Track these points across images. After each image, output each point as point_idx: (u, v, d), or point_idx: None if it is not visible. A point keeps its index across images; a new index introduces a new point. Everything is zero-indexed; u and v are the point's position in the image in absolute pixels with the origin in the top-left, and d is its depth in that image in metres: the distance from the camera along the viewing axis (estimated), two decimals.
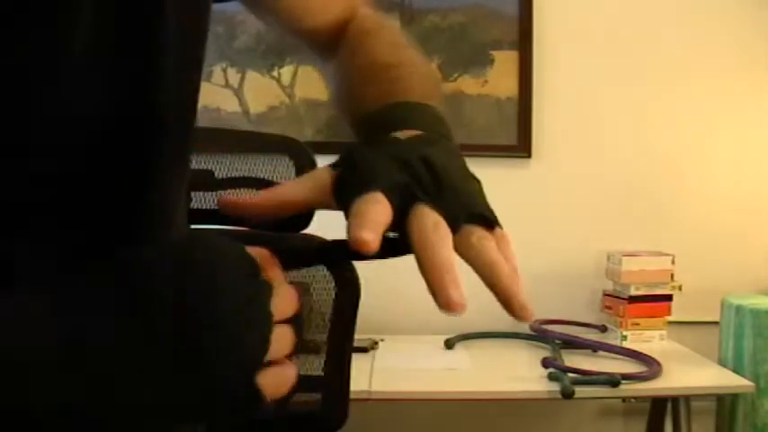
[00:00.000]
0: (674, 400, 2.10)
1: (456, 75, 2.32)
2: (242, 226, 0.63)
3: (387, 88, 0.61)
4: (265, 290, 0.44)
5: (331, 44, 0.72)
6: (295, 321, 0.46)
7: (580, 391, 1.72)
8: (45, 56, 0.44)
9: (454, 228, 0.47)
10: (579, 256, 2.35)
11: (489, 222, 0.49)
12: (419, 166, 0.49)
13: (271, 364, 0.44)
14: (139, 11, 0.49)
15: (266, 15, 0.75)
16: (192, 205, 1.15)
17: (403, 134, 0.54)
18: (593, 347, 2.07)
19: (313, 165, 1.24)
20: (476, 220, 0.48)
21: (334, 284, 1.17)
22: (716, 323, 2.14)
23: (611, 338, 2.19)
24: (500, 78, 2.33)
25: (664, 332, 2.19)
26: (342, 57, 0.70)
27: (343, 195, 0.49)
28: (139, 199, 0.52)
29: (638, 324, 2.17)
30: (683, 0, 2.38)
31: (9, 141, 0.44)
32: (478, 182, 0.54)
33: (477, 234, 0.47)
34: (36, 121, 0.45)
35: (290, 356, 0.46)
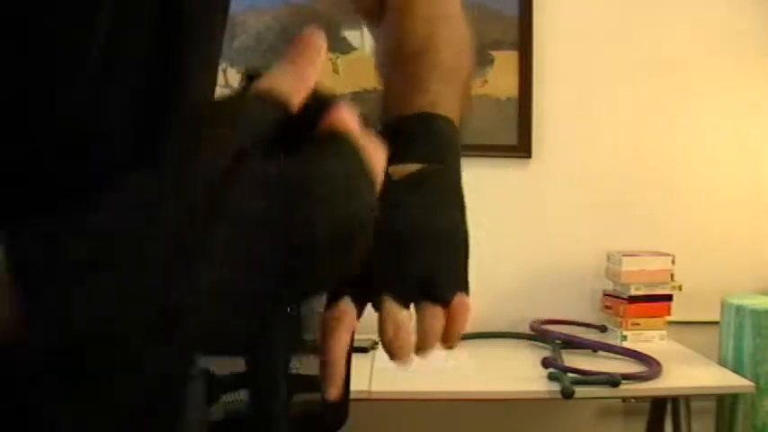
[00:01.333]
0: (674, 400, 2.10)
1: None
2: None
3: (403, 88, 0.63)
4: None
5: (374, 10, 0.72)
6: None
7: (580, 391, 1.72)
8: (66, 53, 0.44)
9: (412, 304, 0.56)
10: (579, 256, 2.35)
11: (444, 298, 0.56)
12: (393, 243, 0.55)
13: None
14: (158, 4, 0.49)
15: None
16: None
17: (401, 170, 0.57)
18: (593, 347, 2.07)
19: None
20: (433, 299, 0.56)
21: None
22: (716, 323, 2.14)
23: (611, 338, 2.19)
24: (500, 78, 2.33)
25: (664, 332, 2.19)
26: (382, 30, 0.71)
27: None
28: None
29: (638, 324, 2.17)
30: (682, 0, 2.38)
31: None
32: (460, 214, 0.59)
33: (428, 316, 0.56)
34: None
35: None
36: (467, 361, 1.99)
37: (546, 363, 1.84)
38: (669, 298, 2.19)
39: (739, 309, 2.04)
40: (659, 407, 2.16)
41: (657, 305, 2.18)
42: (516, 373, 1.88)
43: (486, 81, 2.33)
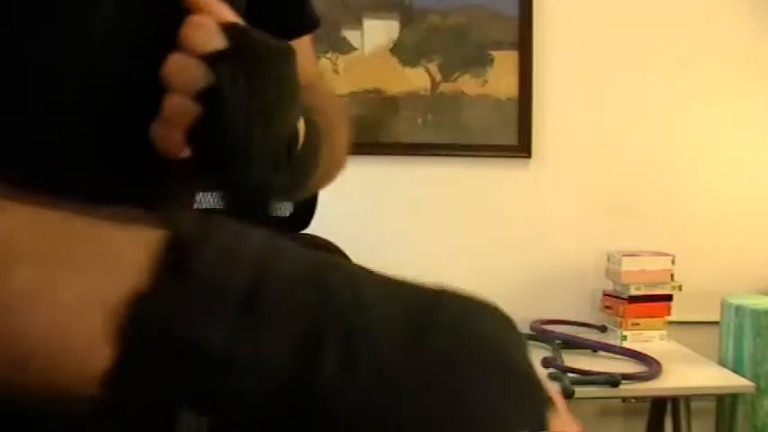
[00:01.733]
0: (674, 400, 2.10)
1: (456, 75, 2.32)
2: None
3: None
4: None
5: None
6: None
7: (580, 391, 1.72)
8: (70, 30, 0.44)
9: None
10: (579, 256, 2.35)
11: None
12: None
13: None
14: None
15: None
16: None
17: None
18: (593, 347, 2.07)
19: None
20: None
21: None
22: (716, 323, 2.14)
23: (611, 338, 2.19)
24: (500, 78, 2.33)
25: (664, 332, 2.19)
26: None
27: None
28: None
29: (638, 324, 2.17)
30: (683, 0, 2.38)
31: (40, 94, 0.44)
32: None
33: None
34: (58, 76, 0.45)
35: None
36: None
37: (546, 363, 1.84)
38: (669, 298, 2.19)
39: (739, 309, 2.04)
40: (659, 407, 2.16)
41: (657, 305, 2.18)
42: None
43: (486, 81, 2.33)
